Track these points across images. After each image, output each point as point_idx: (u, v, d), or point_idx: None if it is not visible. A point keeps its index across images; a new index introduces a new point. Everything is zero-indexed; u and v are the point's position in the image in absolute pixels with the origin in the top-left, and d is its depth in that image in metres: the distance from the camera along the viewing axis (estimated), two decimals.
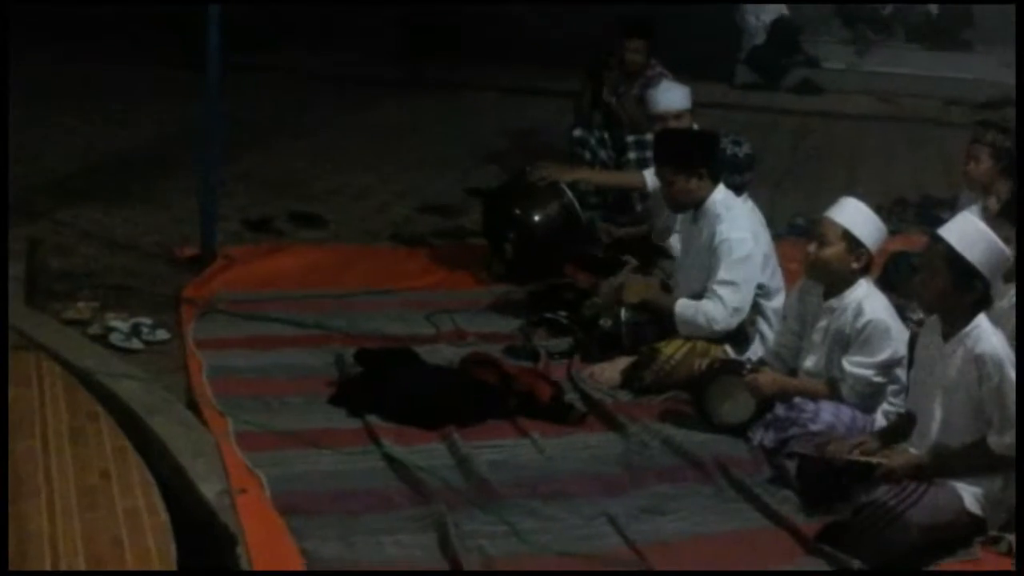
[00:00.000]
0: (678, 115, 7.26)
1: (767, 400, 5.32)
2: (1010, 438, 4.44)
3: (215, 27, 6.88)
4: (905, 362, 5.25)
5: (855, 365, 5.22)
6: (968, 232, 4.60)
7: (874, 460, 4.72)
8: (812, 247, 5.29)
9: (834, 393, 5.26)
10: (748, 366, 5.52)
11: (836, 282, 5.29)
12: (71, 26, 13.33)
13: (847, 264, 5.23)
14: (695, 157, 6.03)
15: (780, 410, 5.25)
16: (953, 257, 4.55)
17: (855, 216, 5.24)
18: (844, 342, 5.27)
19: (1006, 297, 5.19)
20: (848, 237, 5.20)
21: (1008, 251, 4.68)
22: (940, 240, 4.61)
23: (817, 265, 5.29)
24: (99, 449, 4.92)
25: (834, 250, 5.22)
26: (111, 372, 5.62)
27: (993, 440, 4.49)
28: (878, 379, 5.23)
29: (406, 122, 11.62)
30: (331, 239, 8.01)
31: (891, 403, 5.30)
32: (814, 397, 5.27)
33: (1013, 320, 5.15)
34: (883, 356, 5.21)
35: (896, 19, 14.79)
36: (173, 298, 6.63)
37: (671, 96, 7.43)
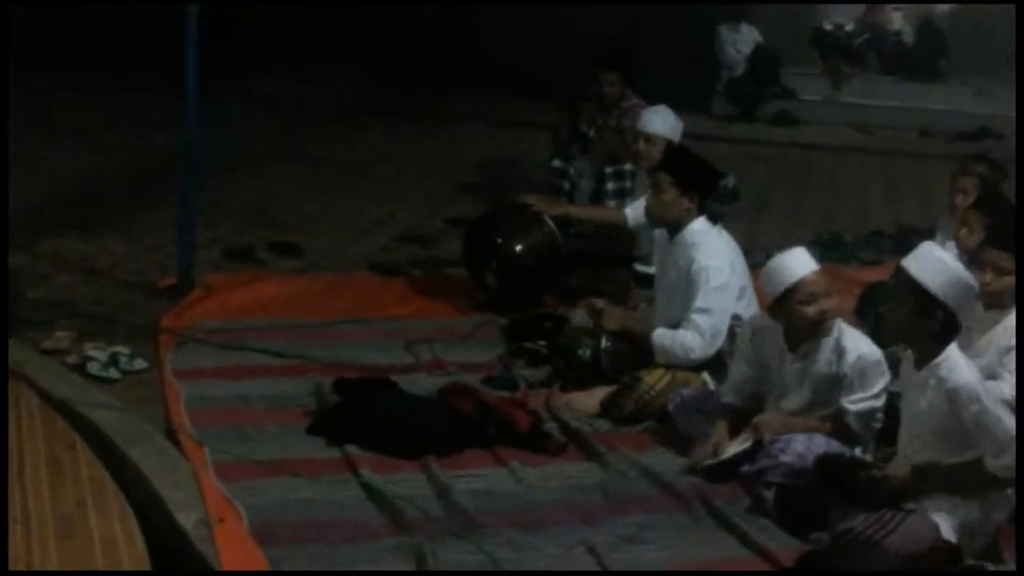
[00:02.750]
0: (658, 141, 7.26)
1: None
2: (1008, 459, 4.45)
3: (192, 52, 6.84)
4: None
5: (857, 402, 5.15)
6: (929, 261, 4.66)
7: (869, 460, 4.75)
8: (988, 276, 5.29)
9: (840, 428, 5.17)
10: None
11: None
12: (47, 54, 13.29)
13: None
14: (697, 182, 6.09)
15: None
16: (914, 285, 4.61)
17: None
18: (830, 381, 5.20)
19: (986, 331, 5.26)
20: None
21: (972, 279, 4.71)
22: (902, 270, 4.67)
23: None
24: (76, 478, 4.91)
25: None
26: (89, 402, 5.61)
27: (990, 463, 4.50)
28: (880, 403, 5.20)
29: (384, 151, 11.61)
30: (309, 268, 8.00)
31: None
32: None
33: (989, 353, 5.21)
34: (880, 386, 5.17)
35: (868, 48, 14.88)
36: (151, 327, 6.61)
37: (662, 120, 7.41)
